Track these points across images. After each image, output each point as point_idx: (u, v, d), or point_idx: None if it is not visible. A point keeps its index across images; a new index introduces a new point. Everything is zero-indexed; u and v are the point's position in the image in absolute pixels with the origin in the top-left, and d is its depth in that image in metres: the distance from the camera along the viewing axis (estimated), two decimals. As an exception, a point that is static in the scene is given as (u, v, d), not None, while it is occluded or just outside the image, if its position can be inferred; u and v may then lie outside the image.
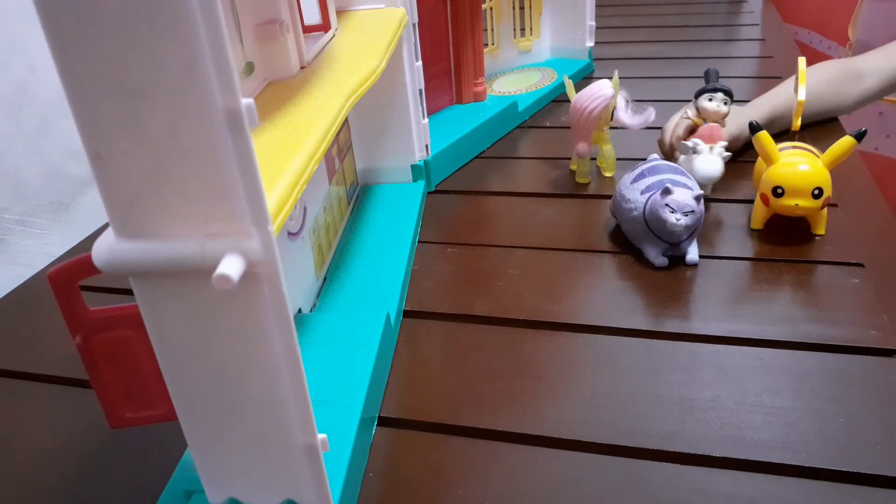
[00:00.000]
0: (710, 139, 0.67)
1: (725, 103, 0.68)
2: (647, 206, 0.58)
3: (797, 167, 0.59)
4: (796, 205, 0.58)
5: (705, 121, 0.69)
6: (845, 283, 0.56)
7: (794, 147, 0.62)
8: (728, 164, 0.68)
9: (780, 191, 0.59)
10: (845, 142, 0.58)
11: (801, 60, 0.64)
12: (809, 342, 0.50)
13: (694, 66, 1.13)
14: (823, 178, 0.58)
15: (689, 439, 0.43)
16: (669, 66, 1.14)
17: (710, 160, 0.66)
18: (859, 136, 0.58)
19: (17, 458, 0.46)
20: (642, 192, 0.59)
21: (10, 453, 0.47)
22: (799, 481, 0.40)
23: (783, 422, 0.43)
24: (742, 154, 0.77)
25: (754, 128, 0.60)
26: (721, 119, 0.69)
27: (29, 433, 0.49)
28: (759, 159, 0.65)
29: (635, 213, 0.59)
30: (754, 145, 0.61)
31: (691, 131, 0.72)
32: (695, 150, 0.67)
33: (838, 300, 0.54)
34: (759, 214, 0.63)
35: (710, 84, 0.70)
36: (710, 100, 0.69)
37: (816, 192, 0.58)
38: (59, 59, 0.23)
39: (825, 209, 0.61)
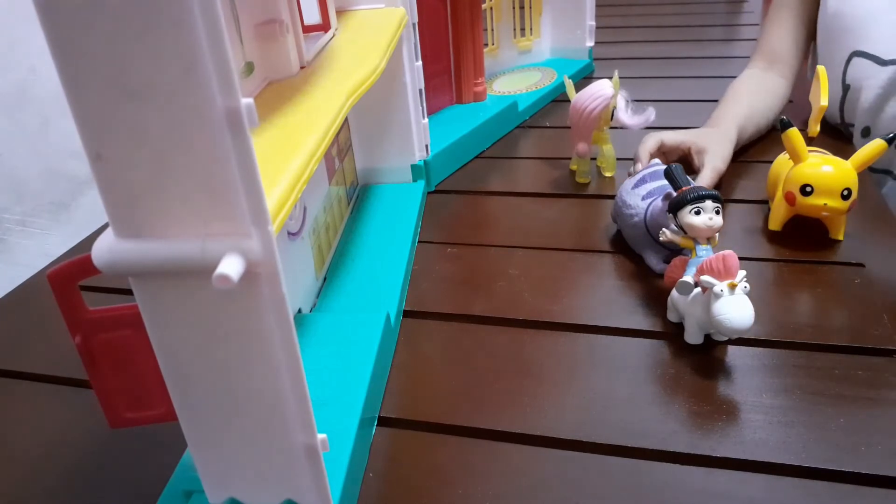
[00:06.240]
0: (727, 273, 0.45)
1: (718, 212, 0.51)
2: (648, 213, 0.58)
3: (828, 166, 0.57)
4: (825, 204, 0.57)
5: (696, 240, 0.52)
6: (845, 282, 0.56)
7: (813, 151, 0.60)
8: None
9: (808, 189, 0.57)
10: (876, 145, 0.57)
11: (821, 69, 0.63)
12: (809, 342, 0.50)
13: (694, 66, 1.13)
14: (853, 180, 0.57)
15: (689, 439, 0.43)
16: (669, 66, 1.14)
17: (738, 305, 0.45)
18: (890, 140, 0.57)
19: (16, 457, 0.46)
20: (643, 198, 0.59)
21: (9, 453, 0.47)
22: (799, 481, 0.40)
23: (783, 422, 0.43)
24: (741, 154, 0.77)
25: (785, 124, 0.58)
26: (715, 235, 0.52)
27: (29, 433, 0.49)
28: (776, 162, 0.64)
29: (636, 219, 0.59)
30: (784, 142, 0.59)
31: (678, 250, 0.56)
32: (707, 290, 0.46)
33: (838, 300, 0.54)
34: (780, 214, 0.61)
35: (693, 191, 0.51)
36: (698, 213, 0.51)
37: (846, 192, 0.56)
38: (59, 59, 0.23)
39: (844, 215, 0.59)
